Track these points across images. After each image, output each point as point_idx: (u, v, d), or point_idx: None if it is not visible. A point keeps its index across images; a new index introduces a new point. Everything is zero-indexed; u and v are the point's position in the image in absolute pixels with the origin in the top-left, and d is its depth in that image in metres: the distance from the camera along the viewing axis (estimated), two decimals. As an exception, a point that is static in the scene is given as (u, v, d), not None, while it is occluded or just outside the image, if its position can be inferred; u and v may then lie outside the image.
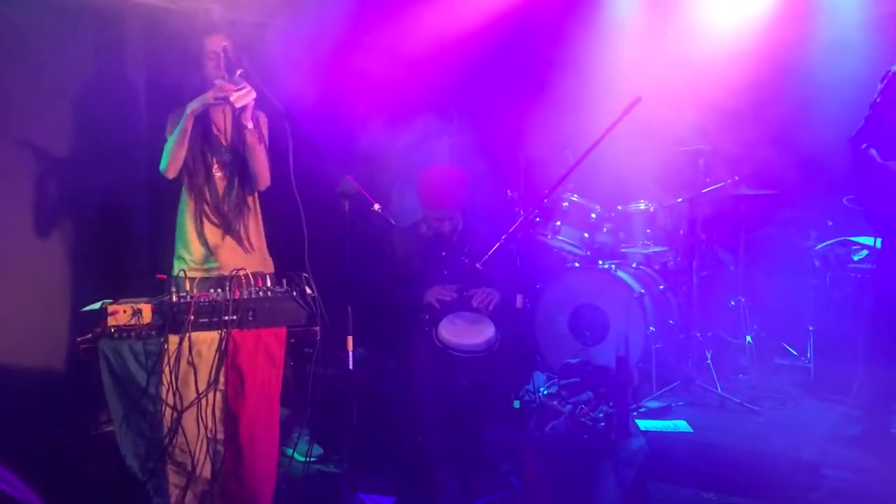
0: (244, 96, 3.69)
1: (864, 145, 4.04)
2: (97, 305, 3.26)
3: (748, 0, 6.05)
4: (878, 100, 4.01)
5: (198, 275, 3.85)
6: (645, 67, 5.90)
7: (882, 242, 4.22)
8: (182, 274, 3.61)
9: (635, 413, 4.70)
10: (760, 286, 5.86)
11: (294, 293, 3.34)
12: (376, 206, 3.57)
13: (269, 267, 4.07)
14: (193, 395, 3.17)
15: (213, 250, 3.92)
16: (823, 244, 5.30)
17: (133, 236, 4.91)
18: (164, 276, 3.42)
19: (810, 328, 5.43)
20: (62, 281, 4.53)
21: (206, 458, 3.20)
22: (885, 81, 4.00)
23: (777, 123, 5.74)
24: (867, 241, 5.10)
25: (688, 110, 5.61)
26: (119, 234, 4.81)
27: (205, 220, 3.92)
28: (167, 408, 3.13)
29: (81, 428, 3.57)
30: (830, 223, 5.68)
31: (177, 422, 3.15)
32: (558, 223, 5.61)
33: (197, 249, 3.91)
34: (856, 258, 5.06)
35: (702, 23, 6.08)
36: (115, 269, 4.65)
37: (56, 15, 4.43)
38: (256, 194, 4.06)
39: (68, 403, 4.02)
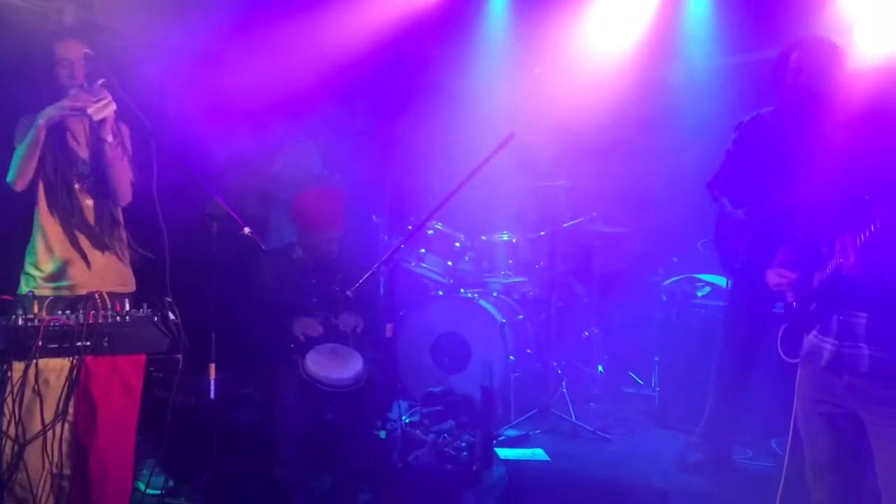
0: (103, 108, 3.44)
1: (717, 193, 4.29)
2: (-73, 325, 2.96)
3: (611, 44, 6.36)
4: (731, 148, 4.27)
5: (48, 293, 3.55)
6: (512, 101, 6.08)
7: (732, 285, 4.51)
8: (30, 294, 3.32)
9: (495, 441, 4.76)
10: (611, 318, 6.12)
11: (155, 318, 3.15)
12: (246, 230, 3.46)
13: (132, 282, 3.83)
14: (38, 427, 2.92)
15: (78, 266, 3.63)
16: (670, 280, 5.60)
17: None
18: (10, 298, 3.14)
19: (656, 359, 5.72)
20: None
21: (49, 495, 2.95)
22: (738, 131, 4.25)
23: (631, 163, 6.03)
24: (710, 278, 5.44)
25: (551, 145, 5.81)
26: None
27: (71, 235, 3.62)
28: (8, 441, 2.87)
29: None
30: (675, 259, 6.01)
31: (18, 456, 2.89)
32: (423, 250, 5.66)
33: (53, 265, 3.61)
34: (700, 294, 5.37)
35: (568, 61, 6.34)
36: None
37: None
38: (119, 209, 3.82)
39: None
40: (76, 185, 3.67)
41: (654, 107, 6.13)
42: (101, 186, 3.71)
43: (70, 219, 3.63)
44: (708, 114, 5.11)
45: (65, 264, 3.63)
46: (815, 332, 2.64)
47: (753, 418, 4.62)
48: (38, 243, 3.64)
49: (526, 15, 6.48)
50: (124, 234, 3.83)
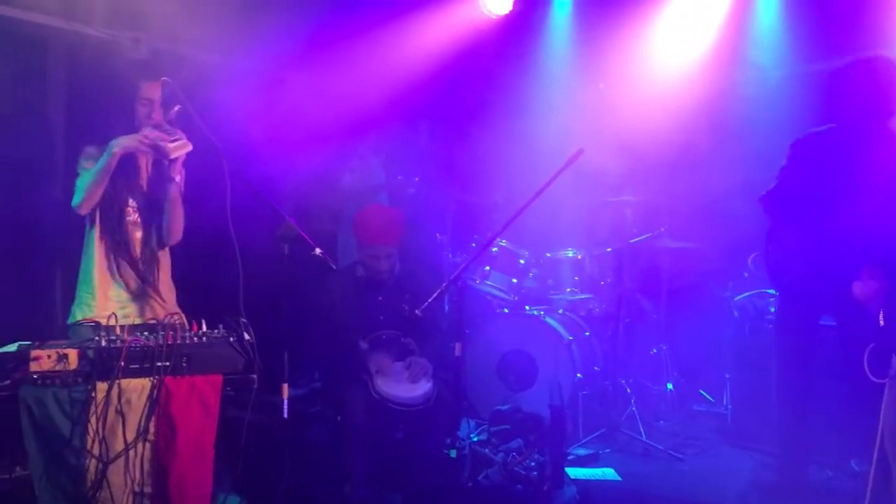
0: (180, 147, 3.53)
1: (770, 210, 4.25)
2: (13, 347, 3.07)
3: (678, 56, 6.28)
4: (786, 165, 4.23)
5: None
6: (577, 116, 6.04)
7: (778, 299, 4.45)
8: (113, 320, 3.36)
9: (565, 461, 4.71)
10: (680, 334, 6.01)
11: (231, 339, 3.21)
12: (317, 251, 3.49)
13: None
14: (121, 446, 2.98)
15: (124, 297, 3.68)
16: (742, 296, 5.48)
17: (42, 276, 4.65)
18: (95, 321, 3.23)
19: (727, 376, 5.60)
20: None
21: (131, 513, 3.02)
22: (794, 149, 4.22)
23: (700, 176, 5.93)
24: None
25: (617, 160, 5.75)
26: (28, 273, 4.55)
27: (116, 264, 3.66)
28: (92, 459, 2.94)
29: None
30: (746, 275, 5.87)
31: (102, 474, 2.95)
32: (487, 268, 5.66)
33: (105, 294, 3.65)
34: (773, 310, 5.24)
35: (633, 74, 6.27)
36: (22, 307, 4.39)
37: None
38: (167, 248, 3.85)
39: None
40: (129, 217, 3.70)
41: (724, 118, 6.01)
42: (153, 220, 3.75)
43: (116, 247, 3.66)
44: (780, 124, 4.98)
45: (112, 293, 3.68)
46: (905, 351, 2.56)
47: (831, 438, 4.49)
48: (87, 270, 3.66)
49: (589, 29, 6.44)
50: (165, 273, 3.84)
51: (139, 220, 3.73)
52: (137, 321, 3.64)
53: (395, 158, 6.09)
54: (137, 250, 3.72)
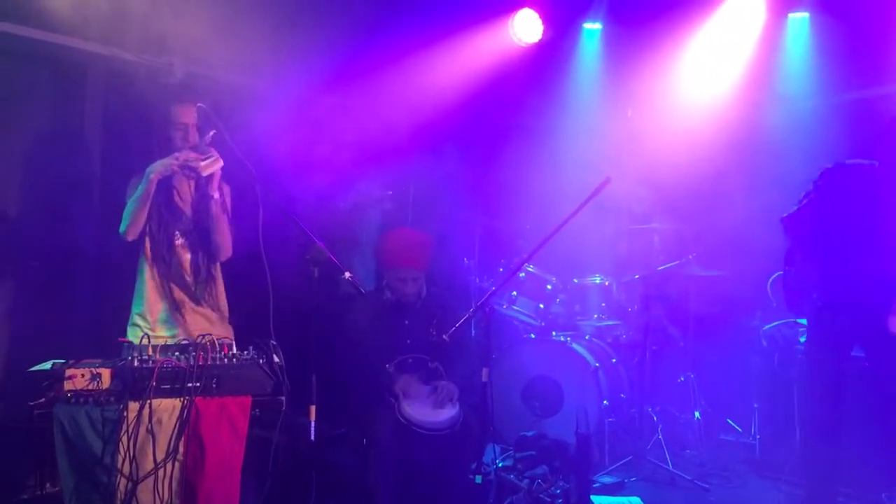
0: (211, 165, 3.61)
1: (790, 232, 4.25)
2: (47, 365, 3.12)
3: (707, 86, 6.28)
4: (812, 190, 4.20)
5: (157, 342, 3.69)
6: (605, 144, 6.06)
7: (808, 329, 4.42)
8: (146, 340, 3.43)
9: (590, 489, 4.67)
10: (708, 363, 5.96)
11: (260, 361, 3.25)
12: (347, 274, 3.53)
13: (230, 336, 3.94)
14: (151, 465, 3.03)
15: (176, 318, 3.78)
16: (771, 325, 5.44)
17: (77, 294, 4.73)
18: (128, 340, 3.29)
19: (755, 406, 5.54)
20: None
21: (159, 532, 3.05)
22: (822, 178, 4.18)
23: (728, 205, 5.91)
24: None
25: (645, 188, 5.76)
26: (62, 292, 4.63)
27: (169, 288, 3.78)
28: (122, 478, 2.98)
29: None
30: (775, 304, 5.83)
31: (131, 493, 2.99)
32: (514, 293, 5.66)
33: (156, 317, 3.77)
34: (802, 339, 5.18)
35: (662, 105, 6.28)
36: (57, 326, 4.46)
37: (18, 61, 4.32)
38: (219, 263, 3.96)
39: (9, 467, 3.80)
40: (178, 241, 3.82)
41: (752, 148, 6.01)
42: (201, 242, 3.85)
43: (168, 271, 3.78)
44: (808, 154, 4.97)
45: (163, 316, 3.78)
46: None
47: (861, 470, 4.44)
48: (140, 294, 3.79)
49: (618, 59, 6.46)
50: (221, 290, 3.95)
51: (186, 243, 3.85)
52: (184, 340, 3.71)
53: (422, 186, 6.11)
54: (189, 271, 3.85)
